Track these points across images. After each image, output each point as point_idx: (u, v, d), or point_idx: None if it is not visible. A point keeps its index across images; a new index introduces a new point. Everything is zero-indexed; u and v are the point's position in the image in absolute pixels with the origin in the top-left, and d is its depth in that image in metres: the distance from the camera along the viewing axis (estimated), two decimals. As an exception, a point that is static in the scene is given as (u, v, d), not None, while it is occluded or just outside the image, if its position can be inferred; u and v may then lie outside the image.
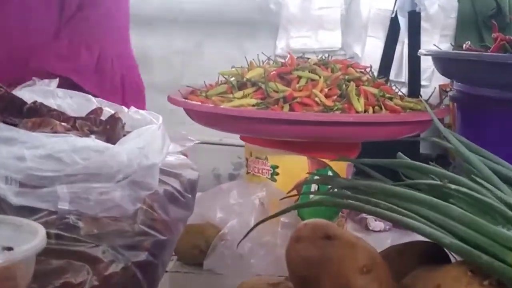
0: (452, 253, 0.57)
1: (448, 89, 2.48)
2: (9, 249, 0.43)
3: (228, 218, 0.94)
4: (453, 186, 0.58)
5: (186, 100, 1.04)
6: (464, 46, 1.11)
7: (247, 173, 1.07)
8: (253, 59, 1.12)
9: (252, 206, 0.95)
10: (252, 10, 2.60)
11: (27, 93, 0.78)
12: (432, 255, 0.57)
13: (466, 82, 1.03)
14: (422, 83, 2.50)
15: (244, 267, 0.89)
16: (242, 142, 1.08)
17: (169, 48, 2.37)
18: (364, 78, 1.06)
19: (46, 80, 0.82)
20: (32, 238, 0.45)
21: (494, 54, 0.98)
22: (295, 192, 0.95)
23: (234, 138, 1.15)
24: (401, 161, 0.71)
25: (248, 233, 0.78)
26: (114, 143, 0.63)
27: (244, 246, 0.88)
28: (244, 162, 1.09)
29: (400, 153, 0.76)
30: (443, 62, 1.07)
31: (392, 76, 2.67)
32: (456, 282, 0.47)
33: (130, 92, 1.27)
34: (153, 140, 0.64)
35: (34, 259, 0.45)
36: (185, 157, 0.75)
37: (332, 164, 1.00)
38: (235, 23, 2.59)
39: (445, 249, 0.60)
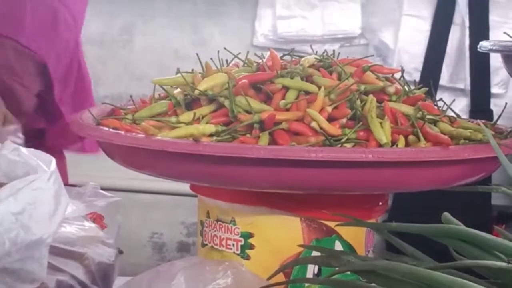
0: None
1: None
2: None
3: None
4: (526, 272, 0.59)
5: (100, 127, 1.04)
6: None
7: (203, 245, 1.08)
8: (212, 58, 1.14)
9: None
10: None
11: None
12: None
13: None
14: (493, 91, 2.54)
15: None
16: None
17: (86, 35, 2.40)
18: (392, 89, 1.07)
19: None
20: None
21: None
22: (281, 277, 0.97)
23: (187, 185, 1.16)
24: (446, 227, 0.72)
25: None
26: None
27: None
28: (198, 226, 1.10)
29: (446, 214, 0.77)
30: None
31: (444, 81, 2.70)
32: None
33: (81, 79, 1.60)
34: (39, 200, 0.65)
35: None
36: (96, 226, 0.76)
37: (342, 230, 1.01)
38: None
39: None
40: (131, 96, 1.15)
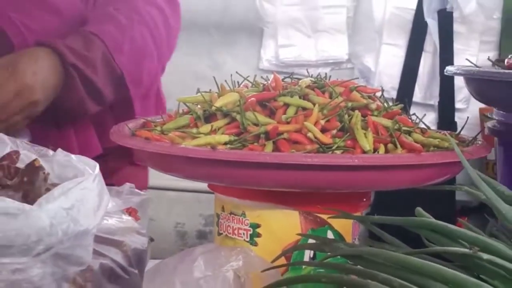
0: None
1: (489, 114, 2.52)
2: None
3: (191, 299, 0.95)
4: (485, 256, 0.59)
5: (134, 137, 1.04)
6: (506, 61, 1.14)
7: (219, 234, 1.07)
8: (225, 80, 1.14)
9: (224, 282, 0.95)
10: (231, 12, 2.62)
11: None
12: None
13: (509, 110, 1.05)
14: (457, 106, 2.53)
15: None
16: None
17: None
18: (374, 105, 1.06)
19: None
20: None
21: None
22: (283, 261, 0.97)
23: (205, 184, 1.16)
24: (419, 220, 0.73)
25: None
26: (32, 203, 0.63)
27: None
28: (214, 218, 1.10)
29: (419, 209, 0.77)
30: (478, 83, 1.09)
31: (417, 98, 2.69)
32: None
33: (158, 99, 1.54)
34: (86, 198, 0.65)
35: None
36: (131, 218, 0.76)
37: (334, 222, 1.01)
38: (208, 28, 2.61)
39: None
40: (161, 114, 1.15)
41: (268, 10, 2.57)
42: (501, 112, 1.08)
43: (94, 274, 0.65)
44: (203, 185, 1.10)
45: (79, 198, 0.64)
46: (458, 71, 1.09)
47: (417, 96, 2.67)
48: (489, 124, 1.14)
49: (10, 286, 0.59)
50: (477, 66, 1.14)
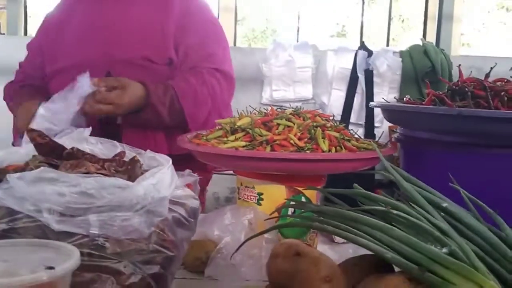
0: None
1: (395, 129, 2.52)
2: (51, 268, 0.43)
3: (223, 235, 0.94)
4: (394, 212, 0.59)
5: (191, 143, 1.04)
6: (404, 99, 1.14)
7: (238, 199, 1.06)
8: (243, 110, 1.14)
9: (242, 226, 0.95)
10: (244, 70, 2.62)
11: (67, 140, 0.78)
12: (380, 266, 0.58)
13: (407, 127, 1.05)
14: (376, 124, 2.54)
15: (236, 274, 0.89)
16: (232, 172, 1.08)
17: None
18: (328, 124, 1.06)
19: (81, 129, 0.83)
20: (68, 259, 0.45)
21: (426, 106, 0.99)
22: (276, 214, 0.97)
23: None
24: (356, 191, 0.72)
25: (239, 247, 0.78)
26: (133, 181, 0.63)
27: (236, 258, 0.87)
28: (236, 189, 1.09)
29: (356, 185, 0.76)
30: (389, 111, 1.08)
31: (352, 119, 2.69)
32: (397, 288, 0.48)
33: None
34: (164, 178, 0.65)
35: (70, 275, 0.45)
36: (189, 189, 0.75)
37: (305, 192, 1.00)
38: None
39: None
40: (203, 130, 1.15)
41: (266, 69, 2.57)
42: (402, 128, 1.07)
43: (169, 222, 0.65)
44: (230, 171, 1.09)
45: (160, 178, 0.64)
46: (377, 105, 1.09)
47: (352, 118, 2.68)
48: (395, 135, 1.14)
49: (121, 228, 0.59)
50: (388, 102, 1.14)
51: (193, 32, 1.34)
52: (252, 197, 1.02)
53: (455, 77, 1.13)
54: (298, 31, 2.80)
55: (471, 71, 1.10)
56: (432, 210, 0.61)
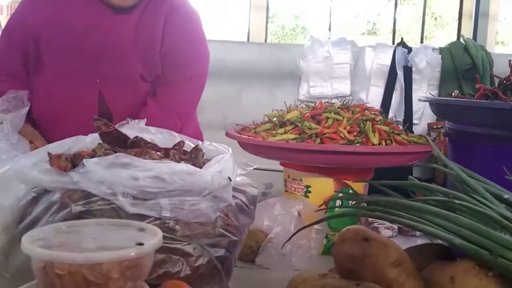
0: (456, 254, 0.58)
1: (434, 126, 2.47)
2: (140, 244, 0.45)
3: (273, 226, 0.96)
4: (457, 201, 0.59)
5: (241, 135, 1.06)
6: (453, 94, 1.12)
7: (286, 191, 1.07)
8: (284, 104, 1.13)
9: (291, 217, 0.96)
10: (280, 66, 2.63)
11: (128, 130, 0.81)
12: (443, 254, 0.59)
13: (457, 122, 1.03)
14: (414, 121, 2.49)
15: (286, 263, 0.90)
16: (271, 168, 1.07)
17: (217, 94, 2.42)
18: (378, 118, 1.06)
19: (136, 120, 0.85)
20: (153, 237, 0.47)
21: (480, 100, 0.98)
22: (324, 206, 0.99)
23: (266, 165, 1.13)
24: (413, 182, 0.72)
25: (290, 238, 0.79)
26: (198, 168, 0.65)
27: (287, 247, 0.89)
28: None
29: (411, 176, 0.76)
30: (438, 106, 1.07)
31: (390, 116, 2.65)
32: (466, 274, 0.49)
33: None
34: (227, 166, 0.67)
35: (154, 253, 0.47)
36: (247, 178, 0.77)
37: (353, 184, 1.01)
38: (266, 76, 2.62)
39: (451, 250, 0.61)
40: (253, 122, 1.15)
41: (303, 65, 2.57)
42: (451, 122, 1.06)
43: (233, 208, 0.67)
44: (264, 167, 1.08)
45: (225, 166, 0.66)
46: (427, 99, 1.08)
47: (391, 115, 2.63)
48: (442, 130, 1.13)
49: (190, 212, 0.61)
50: (437, 97, 1.13)
51: (173, 53, 1.15)
52: (299, 189, 1.03)
53: (497, 74, 1.10)
54: (329, 29, 2.79)
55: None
56: (494, 201, 0.61)
